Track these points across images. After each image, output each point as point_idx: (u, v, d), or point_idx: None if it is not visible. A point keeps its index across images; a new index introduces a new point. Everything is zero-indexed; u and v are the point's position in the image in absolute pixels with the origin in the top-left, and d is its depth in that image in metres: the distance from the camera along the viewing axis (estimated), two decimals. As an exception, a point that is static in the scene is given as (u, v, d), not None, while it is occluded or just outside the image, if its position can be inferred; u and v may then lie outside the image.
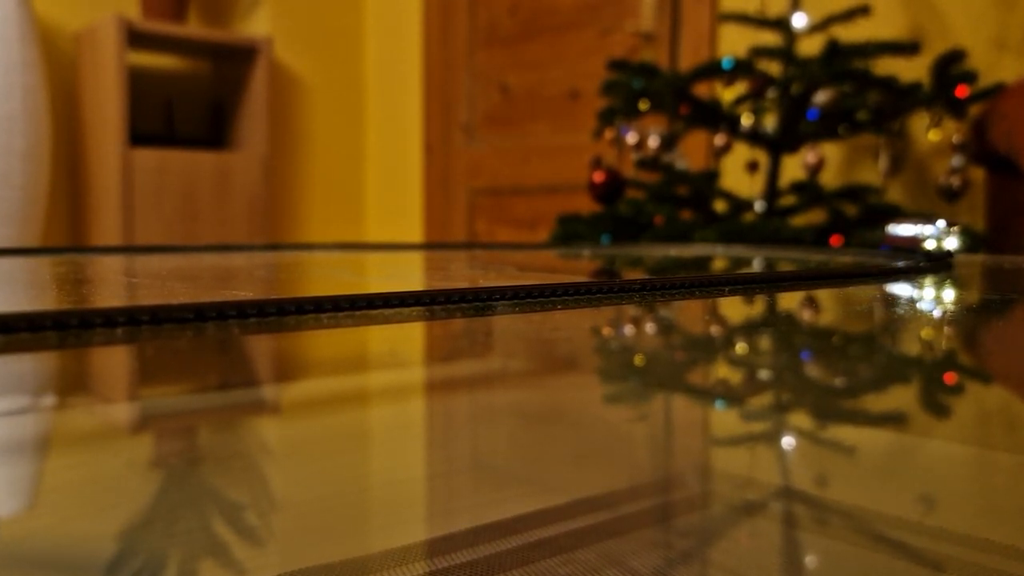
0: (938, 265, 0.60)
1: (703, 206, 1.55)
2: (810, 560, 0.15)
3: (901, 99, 1.41)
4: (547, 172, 2.37)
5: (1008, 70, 1.56)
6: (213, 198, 2.45)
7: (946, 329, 0.39)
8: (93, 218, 2.40)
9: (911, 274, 0.57)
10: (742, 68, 1.48)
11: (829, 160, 1.74)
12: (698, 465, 0.21)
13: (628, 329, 0.38)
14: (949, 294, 0.50)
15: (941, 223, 0.60)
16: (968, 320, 0.42)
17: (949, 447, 0.22)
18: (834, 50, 1.38)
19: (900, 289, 0.51)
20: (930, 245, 0.61)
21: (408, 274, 0.68)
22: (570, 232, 1.56)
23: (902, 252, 0.64)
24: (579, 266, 0.83)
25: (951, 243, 0.59)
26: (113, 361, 0.28)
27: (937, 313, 0.43)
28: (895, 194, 1.68)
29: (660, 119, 1.77)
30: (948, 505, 0.18)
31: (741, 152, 1.77)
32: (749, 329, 0.40)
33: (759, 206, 1.55)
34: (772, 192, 1.55)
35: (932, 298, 0.48)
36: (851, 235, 1.37)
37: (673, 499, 0.18)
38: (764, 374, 0.30)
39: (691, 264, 0.81)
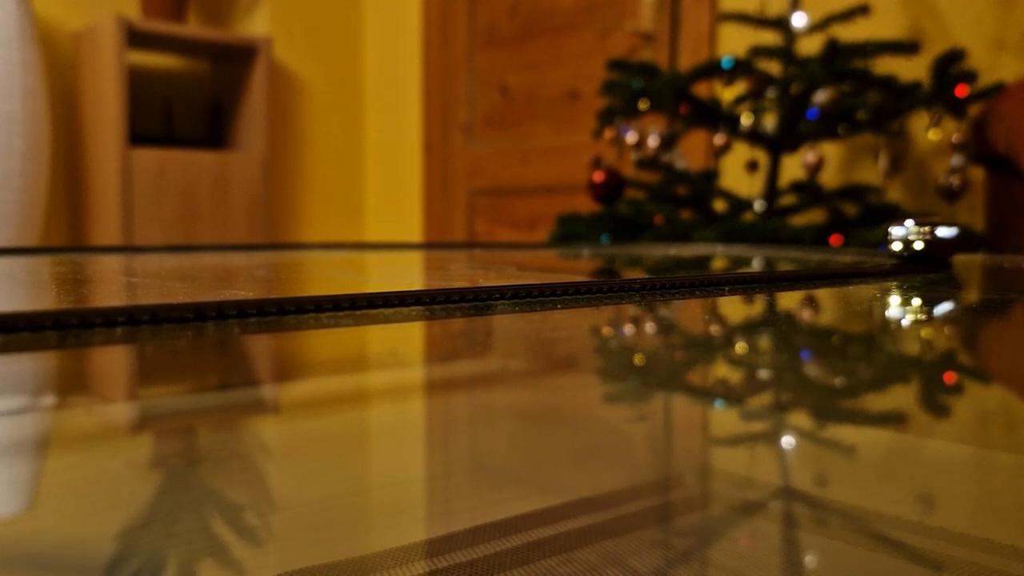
0: (935, 265, 0.60)
1: (703, 206, 1.55)
2: (810, 560, 0.15)
3: (901, 99, 1.41)
4: (547, 172, 2.37)
5: (1007, 70, 1.56)
6: (212, 198, 2.45)
7: (925, 330, 0.39)
8: (93, 218, 2.40)
9: (904, 275, 0.57)
10: (742, 68, 1.48)
11: (829, 160, 1.74)
12: (693, 465, 0.21)
13: (626, 329, 0.38)
14: (934, 295, 0.50)
15: (910, 223, 0.59)
16: (945, 321, 0.42)
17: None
18: (834, 50, 1.38)
19: (884, 290, 0.51)
20: (897, 247, 0.60)
21: (408, 274, 0.68)
22: (570, 232, 1.56)
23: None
24: (579, 266, 0.83)
25: (919, 244, 0.58)
26: (113, 361, 0.28)
27: (922, 314, 0.43)
28: (895, 194, 1.68)
29: (660, 119, 1.77)
30: (947, 505, 0.18)
31: (741, 152, 1.77)
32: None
33: (759, 206, 1.55)
34: (772, 192, 1.55)
35: (913, 300, 0.48)
36: (851, 235, 1.38)
37: (674, 499, 0.18)
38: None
39: (690, 264, 0.81)
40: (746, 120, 1.53)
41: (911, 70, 1.53)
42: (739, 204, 1.55)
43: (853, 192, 1.50)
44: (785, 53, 1.50)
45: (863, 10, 1.47)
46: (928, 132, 1.47)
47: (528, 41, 2.41)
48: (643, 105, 1.53)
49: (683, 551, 0.15)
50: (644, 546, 0.15)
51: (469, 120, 2.58)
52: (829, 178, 1.76)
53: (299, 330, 0.31)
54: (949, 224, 0.59)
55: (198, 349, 0.28)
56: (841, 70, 1.38)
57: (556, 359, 0.31)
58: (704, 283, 0.47)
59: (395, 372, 0.30)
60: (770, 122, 1.56)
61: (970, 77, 1.39)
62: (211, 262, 0.79)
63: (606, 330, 0.38)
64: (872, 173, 1.68)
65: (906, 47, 1.41)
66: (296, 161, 2.75)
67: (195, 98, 2.69)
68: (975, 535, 0.16)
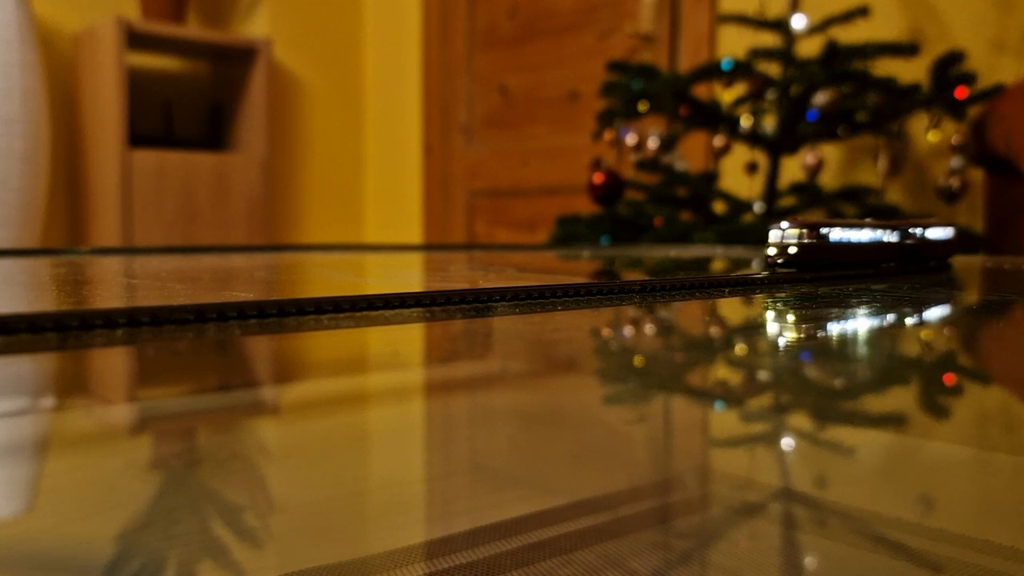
0: (931, 267, 0.60)
1: (702, 207, 1.55)
2: (809, 561, 0.15)
3: (900, 100, 1.41)
4: (546, 174, 2.37)
5: (1007, 71, 1.56)
6: (212, 199, 2.45)
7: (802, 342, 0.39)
8: (92, 219, 2.40)
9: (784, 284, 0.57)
10: (741, 69, 1.49)
11: (828, 161, 1.74)
12: (698, 466, 0.21)
13: (626, 330, 0.38)
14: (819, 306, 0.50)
15: (784, 224, 0.49)
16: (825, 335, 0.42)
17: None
18: (833, 51, 1.38)
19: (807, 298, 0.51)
20: (771, 252, 0.50)
21: (408, 275, 0.68)
22: (569, 233, 1.56)
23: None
24: (578, 267, 0.83)
25: (793, 249, 0.49)
26: (113, 362, 0.28)
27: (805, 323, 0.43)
28: (894, 195, 1.69)
29: (659, 120, 1.77)
30: (946, 506, 0.18)
31: (740, 153, 1.77)
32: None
33: (758, 207, 1.55)
34: (771, 193, 1.55)
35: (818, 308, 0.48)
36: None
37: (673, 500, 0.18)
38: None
39: (688, 266, 0.81)
40: (746, 122, 1.53)
41: (911, 72, 1.53)
42: (739, 206, 1.55)
43: (853, 194, 1.50)
44: (785, 55, 1.50)
45: (862, 12, 1.47)
46: (928, 134, 1.47)
47: (528, 42, 2.41)
48: (643, 107, 1.54)
49: (683, 552, 0.15)
50: (644, 548, 0.15)
51: (469, 121, 2.58)
52: (829, 179, 1.76)
53: (300, 331, 0.31)
54: (944, 224, 0.59)
55: (199, 350, 0.28)
56: (841, 72, 1.38)
57: (556, 360, 0.31)
58: (705, 284, 0.47)
59: (395, 373, 0.30)
60: (770, 124, 1.56)
61: (970, 79, 1.40)
62: (211, 263, 0.79)
63: (605, 331, 0.38)
64: (872, 175, 1.68)
65: (906, 49, 1.41)
66: (296, 162, 2.75)
67: (195, 99, 2.69)
68: (975, 536, 0.16)
